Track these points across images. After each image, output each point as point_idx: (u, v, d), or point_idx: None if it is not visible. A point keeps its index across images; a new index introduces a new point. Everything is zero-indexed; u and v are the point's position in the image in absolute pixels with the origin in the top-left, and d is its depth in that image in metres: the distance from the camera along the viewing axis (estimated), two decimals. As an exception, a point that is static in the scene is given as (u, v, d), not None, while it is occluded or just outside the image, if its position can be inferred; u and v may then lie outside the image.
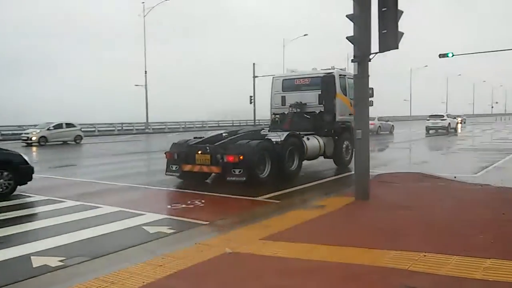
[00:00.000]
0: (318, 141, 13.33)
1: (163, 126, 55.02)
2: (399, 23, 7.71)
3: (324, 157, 13.95)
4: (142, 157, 21.22)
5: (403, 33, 7.81)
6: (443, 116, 40.29)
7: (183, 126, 58.27)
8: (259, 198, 9.18)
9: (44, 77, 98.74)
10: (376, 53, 7.94)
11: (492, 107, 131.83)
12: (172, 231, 6.58)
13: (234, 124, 66.26)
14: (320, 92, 13.73)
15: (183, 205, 8.46)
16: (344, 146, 14.27)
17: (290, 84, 14.66)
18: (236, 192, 9.85)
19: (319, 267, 4.58)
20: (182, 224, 7.00)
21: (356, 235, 5.85)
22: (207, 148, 10.95)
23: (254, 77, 64.38)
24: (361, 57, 8.01)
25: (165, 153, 11.97)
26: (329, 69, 14.26)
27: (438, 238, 5.52)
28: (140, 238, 6.21)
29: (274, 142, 11.24)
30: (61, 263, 5.19)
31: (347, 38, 8.07)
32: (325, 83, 13.58)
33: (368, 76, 8.12)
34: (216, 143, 11.10)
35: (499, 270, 4.26)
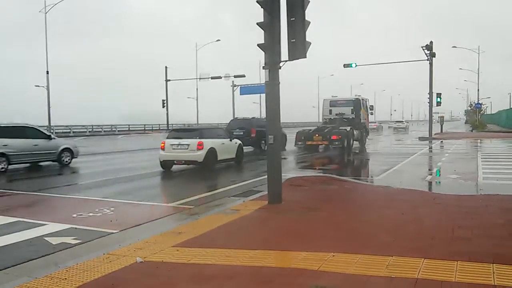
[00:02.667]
0: (356, 132, 26.39)
1: (68, 130, 51.97)
2: (307, 33, 8.01)
3: (355, 141, 26.34)
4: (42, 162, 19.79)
5: (310, 43, 8.11)
6: (403, 121, 73.20)
7: (90, 130, 55.51)
8: (172, 204, 8.99)
9: None
10: (286, 61, 8.16)
11: (391, 114, 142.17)
12: (77, 241, 6.18)
13: (146, 128, 64.55)
14: (352, 107, 27.47)
15: (90, 214, 8.02)
16: (364, 135, 28.33)
17: (334, 103, 28.22)
18: (148, 199, 9.59)
19: (233, 272, 4.58)
20: (89, 233, 6.61)
21: (268, 238, 5.94)
22: (319, 132, 24.31)
23: (167, 80, 63.30)
24: (272, 64, 8.19)
25: (295, 135, 24.76)
26: (357, 96, 29.17)
27: (345, 238, 5.79)
28: (42, 250, 5.76)
29: (348, 130, 24.55)
30: None
31: (258, 45, 8.20)
32: (356, 103, 27.77)
33: (278, 83, 8.31)
34: (324, 131, 24.28)
35: (400, 267, 4.56)
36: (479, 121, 62.90)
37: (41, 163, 16.93)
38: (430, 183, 11.70)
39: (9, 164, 14.89)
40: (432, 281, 4.14)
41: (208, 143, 14.87)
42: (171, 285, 4.26)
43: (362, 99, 28.82)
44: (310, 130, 25.15)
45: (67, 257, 5.33)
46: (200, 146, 14.52)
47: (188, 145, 14.64)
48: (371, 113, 32.42)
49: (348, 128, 24.98)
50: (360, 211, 7.57)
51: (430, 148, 25.77)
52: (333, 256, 4.98)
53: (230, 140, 16.61)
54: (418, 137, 38.72)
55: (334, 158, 20.25)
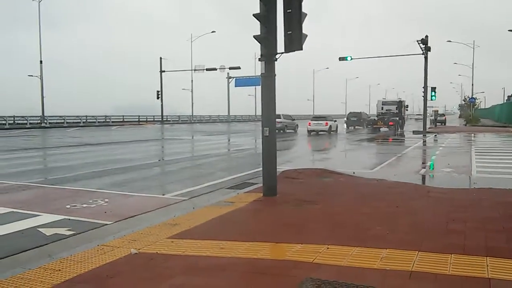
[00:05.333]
0: (400, 121, 42.90)
1: (62, 120, 51.68)
2: (304, 24, 7.96)
3: (398, 127, 41.61)
4: (35, 153, 19.73)
5: (307, 35, 8.05)
6: (421, 114, 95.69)
7: (84, 120, 55.24)
8: (167, 196, 8.98)
9: None
10: (282, 53, 8.11)
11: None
12: (71, 232, 6.15)
13: (141, 120, 64.23)
14: (397, 106, 45.70)
15: (84, 205, 7.98)
16: (403, 123, 46.32)
17: (384, 103, 47.00)
18: (142, 190, 9.56)
19: (228, 264, 4.57)
20: (82, 225, 6.59)
21: (263, 231, 5.94)
22: (381, 119, 42.00)
23: (161, 71, 63.00)
24: (268, 56, 8.14)
25: (368, 121, 45.55)
26: (398, 100, 49.67)
27: (340, 231, 5.80)
28: (36, 241, 5.73)
29: (397, 119, 42.12)
30: None
31: (254, 37, 8.13)
32: (399, 103, 46.67)
33: (274, 75, 8.27)
34: (384, 119, 41.39)
35: (394, 259, 4.57)
36: (473, 115, 63.17)
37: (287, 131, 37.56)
38: (424, 176, 11.74)
39: (286, 130, 37.47)
40: (426, 273, 4.15)
41: (329, 122, 35.72)
42: (165, 277, 4.25)
43: (403, 101, 49.29)
44: (375, 119, 43.55)
45: (60, 248, 5.31)
46: (326, 124, 35.32)
47: (321, 123, 35.61)
48: (407, 110, 52.85)
49: (397, 118, 42.26)
50: (355, 204, 7.58)
51: (424, 141, 25.85)
52: (328, 248, 4.98)
53: (334, 121, 37.06)
54: (412, 130, 38.85)
55: (375, 137, 32.31)
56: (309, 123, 36.15)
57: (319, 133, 35.18)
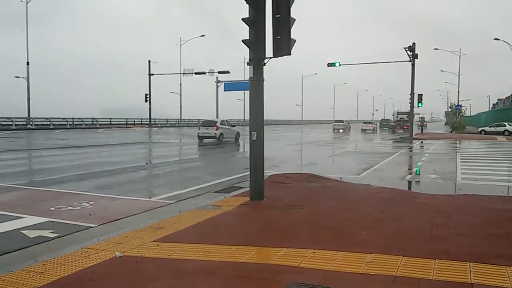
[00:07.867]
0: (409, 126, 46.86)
1: (48, 122, 51.04)
2: (292, 30, 8.00)
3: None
4: (21, 155, 19.48)
5: (295, 40, 8.09)
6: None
7: (71, 122, 54.64)
8: (153, 199, 8.92)
9: None
10: (271, 57, 8.13)
11: (373, 114, 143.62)
12: (55, 235, 6.08)
13: (128, 122, 63.85)
14: (407, 115, 54.07)
15: (69, 207, 7.90)
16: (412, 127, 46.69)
17: (399, 113, 66.47)
18: (128, 193, 9.49)
19: (213, 268, 4.56)
20: (67, 227, 6.51)
21: (250, 235, 5.94)
22: (398, 124, 62.97)
23: (150, 74, 62.73)
24: (256, 61, 8.16)
25: (389, 125, 70.05)
26: (407, 111, 51.17)
27: (326, 236, 5.82)
28: (19, 243, 5.65)
29: (408, 124, 46.50)
30: None
31: (243, 41, 8.15)
32: (409, 113, 45.69)
33: (263, 79, 8.30)
34: (400, 124, 62.21)
35: (379, 264, 4.60)
36: (459, 122, 63.92)
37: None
38: (410, 182, 11.84)
39: (346, 130, 59.72)
40: (410, 278, 4.18)
41: (373, 125, 62.28)
42: (150, 280, 4.22)
43: (410, 112, 54.76)
44: (394, 124, 62.72)
45: (44, 250, 5.24)
46: (371, 126, 61.31)
47: (369, 125, 61.51)
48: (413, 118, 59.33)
49: (409, 124, 46.64)
50: (341, 209, 7.61)
51: (411, 148, 26.08)
52: (313, 252, 5.00)
53: (376, 124, 65.17)
54: (399, 137, 39.19)
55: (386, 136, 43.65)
56: (362, 125, 61.84)
57: (367, 131, 57.62)
